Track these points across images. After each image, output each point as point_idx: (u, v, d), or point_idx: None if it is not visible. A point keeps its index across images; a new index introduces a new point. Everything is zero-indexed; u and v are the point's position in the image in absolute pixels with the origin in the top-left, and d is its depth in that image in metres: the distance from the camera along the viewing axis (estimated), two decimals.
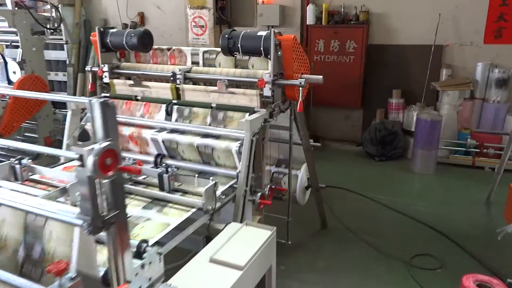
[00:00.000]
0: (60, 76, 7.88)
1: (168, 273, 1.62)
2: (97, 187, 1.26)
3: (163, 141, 2.49)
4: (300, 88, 2.39)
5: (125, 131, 2.61)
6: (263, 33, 2.40)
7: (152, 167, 2.51)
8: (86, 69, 2.97)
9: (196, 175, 2.12)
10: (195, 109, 2.58)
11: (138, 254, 1.55)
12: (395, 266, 3.36)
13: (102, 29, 2.83)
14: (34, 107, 4.58)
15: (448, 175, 5.24)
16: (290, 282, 3.18)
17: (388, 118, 6.04)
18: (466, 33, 5.58)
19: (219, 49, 2.60)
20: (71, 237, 1.41)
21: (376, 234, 3.84)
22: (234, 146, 2.30)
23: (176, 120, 2.61)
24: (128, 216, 1.97)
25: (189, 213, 1.95)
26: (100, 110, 1.22)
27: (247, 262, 1.74)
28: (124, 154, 2.69)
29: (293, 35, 2.37)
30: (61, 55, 7.69)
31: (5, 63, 4.71)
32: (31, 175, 2.28)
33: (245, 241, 1.89)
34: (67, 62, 7.56)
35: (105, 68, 2.89)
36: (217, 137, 2.42)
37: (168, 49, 2.88)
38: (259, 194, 2.28)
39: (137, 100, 2.80)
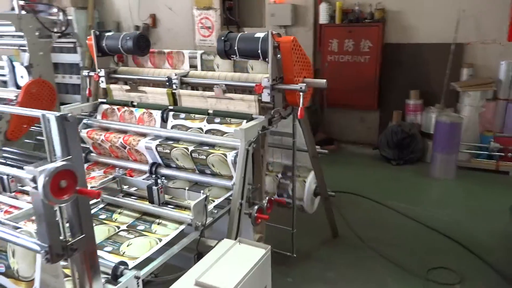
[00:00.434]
0: (74, 79, 7.92)
1: None
2: (60, 209, 1.13)
3: (157, 149, 2.36)
4: (301, 93, 2.21)
5: (118, 138, 2.49)
6: (260, 34, 2.24)
7: (147, 177, 2.39)
8: (83, 74, 2.87)
9: (187, 188, 1.99)
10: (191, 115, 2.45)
11: (115, 277, 1.42)
12: (410, 279, 3.15)
13: (97, 33, 2.73)
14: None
15: (469, 181, 4.95)
16: None
17: (405, 120, 5.78)
18: (488, 30, 5.27)
19: None
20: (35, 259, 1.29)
21: (390, 244, 3.62)
22: (229, 155, 2.15)
23: (172, 128, 2.48)
24: (117, 231, 1.87)
25: (177, 231, 1.81)
26: (57, 125, 1.09)
27: (236, 285, 1.59)
28: (119, 162, 2.59)
29: (293, 36, 2.20)
30: (75, 58, 7.73)
31: (13, 67, 4.70)
32: (21, 186, 2.20)
33: (236, 261, 1.74)
34: (80, 65, 7.58)
35: (102, 73, 2.78)
36: (212, 145, 2.28)
37: (165, 53, 2.76)
38: (256, 207, 2.13)
39: (133, 106, 2.68)
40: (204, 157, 2.22)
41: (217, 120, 2.36)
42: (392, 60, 5.84)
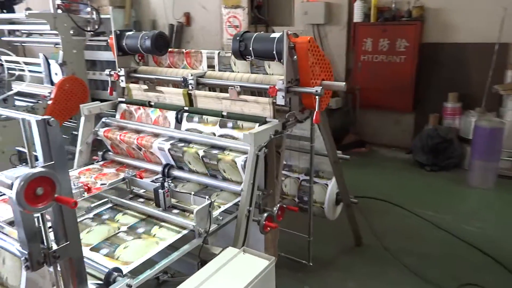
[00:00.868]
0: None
1: None
2: (42, 216, 1.10)
3: (169, 151, 2.33)
4: (317, 97, 2.10)
5: (134, 138, 2.48)
6: (276, 35, 2.15)
7: (160, 178, 2.36)
8: (105, 72, 2.89)
9: (193, 193, 1.94)
10: (204, 116, 2.40)
11: (108, 284, 1.39)
12: None
13: (118, 32, 2.73)
14: (74, 108, 4.67)
15: (510, 191, 4.62)
16: None
17: (442, 124, 5.48)
18: None
19: None
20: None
21: (418, 256, 3.42)
22: (239, 160, 2.08)
23: (186, 129, 2.44)
24: (116, 232, 1.85)
25: (177, 236, 1.76)
26: (39, 130, 1.06)
27: None
28: (134, 162, 2.58)
29: (310, 36, 2.09)
30: (111, 55, 7.90)
31: (48, 64, 4.87)
32: None
33: (238, 271, 1.67)
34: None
35: (122, 72, 2.79)
36: (223, 149, 2.21)
37: (184, 53, 2.72)
38: (265, 214, 2.04)
39: (150, 106, 2.67)
40: (215, 163, 2.16)
41: (230, 124, 2.29)
42: (430, 61, 5.55)
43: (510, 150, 4.87)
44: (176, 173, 2.39)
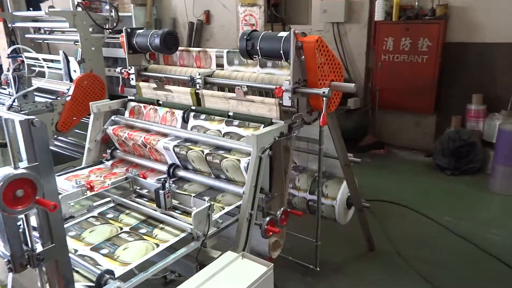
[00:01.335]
0: None
1: None
2: (26, 217, 1.08)
3: (174, 150, 2.30)
4: (324, 99, 2.03)
5: (140, 137, 2.47)
6: (284, 34, 2.09)
7: (162, 178, 2.34)
8: (116, 70, 2.90)
9: (192, 195, 1.91)
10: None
11: (99, 286, 1.37)
12: None
13: (128, 30, 2.73)
14: None
15: None
16: None
17: (465, 126, 5.28)
18: None
19: None
20: None
21: (433, 264, 3.30)
22: (243, 161, 2.03)
23: (192, 128, 2.42)
24: (119, 232, 1.84)
25: (176, 238, 1.73)
26: (22, 130, 1.04)
27: None
28: (141, 161, 2.58)
29: (318, 36, 2.02)
30: None
31: (68, 61, 4.94)
32: None
33: (234, 277, 1.63)
34: None
35: (132, 70, 2.79)
36: (228, 150, 2.17)
37: (194, 51, 2.69)
38: (267, 218, 1.99)
39: (159, 105, 2.66)
40: (218, 162, 2.13)
41: (236, 122, 2.25)
42: (453, 61, 5.36)
43: None
44: (181, 173, 2.37)
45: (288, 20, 4.35)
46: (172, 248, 1.76)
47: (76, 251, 1.67)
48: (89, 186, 2.04)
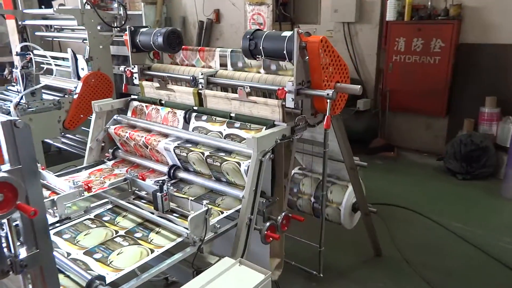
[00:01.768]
0: None
1: None
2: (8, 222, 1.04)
3: (174, 151, 2.26)
4: (328, 101, 1.97)
5: (141, 137, 2.43)
6: (287, 33, 2.03)
7: (161, 180, 2.30)
8: (120, 69, 2.87)
9: (190, 198, 1.86)
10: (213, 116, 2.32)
11: None
12: None
13: (132, 28, 2.69)
14: None
15: None
16: None
17: (478, 130, 5.15)
18: None
19: None
20: None
21: (442, 272, 3.20)
22: (243, 165, 1.97)
23: (193, 129, 2.37)
24: (114, 236, 1.80)
25: (173, 243, 1.68)
26: (4, 132, 1.00)
27: None
28: (142, 161, 2.54)
29: (322, 36, 1.95)
30: None
31: (76, 59, 4.95)
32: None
33: (229, 285, 1.57)
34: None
35: (135, 69, 2.75)
36: (229, 152, 2.12)
37: (198, 51, 2.64)
38: (267, 224, 1.93)
39: (161, 104, 2.61)
40: (219, 164, 2.07)
41: (237, 124, 2.19)
42: (467, 62, 5.22)
43: None
44: (182, 174, 2.32)
45: (297, 19, 4.29)
46: (169, 253, 1.71)
47: (69, 254, 1.64)
48: (86, 187, 2.00)
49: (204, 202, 1.75)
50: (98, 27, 4.82)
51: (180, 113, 2.43)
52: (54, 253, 1.17)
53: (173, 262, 1.62)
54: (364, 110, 5.84)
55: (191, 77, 2.41)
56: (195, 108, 2.43)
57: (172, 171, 2.34)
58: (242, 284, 1.57)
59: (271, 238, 1.92)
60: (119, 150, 2.69)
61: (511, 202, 4.38)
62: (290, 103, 2.04)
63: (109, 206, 2.01)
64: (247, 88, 2.20)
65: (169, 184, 1.88)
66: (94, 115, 2.64)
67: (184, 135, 2.33)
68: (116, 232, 1.79)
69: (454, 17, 5.13)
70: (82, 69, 4.86)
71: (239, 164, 1.99)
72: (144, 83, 2.74)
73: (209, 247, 1.77)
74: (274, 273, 2.31)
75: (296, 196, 3.03)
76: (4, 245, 1.07)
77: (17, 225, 1.07)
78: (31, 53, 4.49)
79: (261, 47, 2.09)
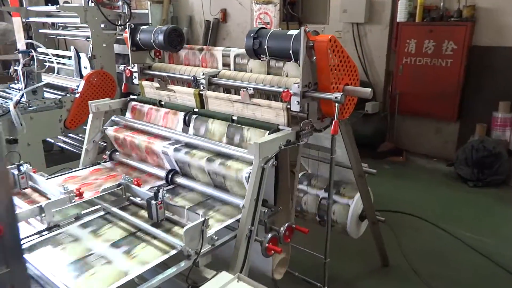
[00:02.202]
0: None
1: None
2: None
3: (173, 155, 2.14)
4: (336, 104, 1.84)
5: (138, 140, 2.32)
6: (294, 32, 1.91)
7: (158, 186, 2.18)
8: (119, 68, 2.76)
9: (186, 207, 1.73)
10: (211, 126, 2.19)
11: None
12: None
13: (132, 26, 2.58)
14: None
15: None
16: None
17: (490, 135, 4.98)
18: None
19: None
20: None
21: (450, 282, 3.07)
22: (244, 172, 1.85)
23: (193, 133, 2.25)
24: (90, 253, 1.63)
25: (162, 258, 1.55)
26: None
27: None
28: (139, 165, 2.42)
29: (331, 35, 1.82)
30: None
31: (79, 58, 4.86)
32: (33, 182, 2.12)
33: None
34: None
35: (135, 68, 2.64)
36: (230, 158, 2.00)
37: (200, 50, 2.53)
38: (269, 235, 1.80)
39: (161, 105, 2.50)
40: (218, 171, 1.95)
41: (237, 138, 2.06)
42: (480, 65, 5.06)
43: None
44: (180, 180, 2.20)
45: (305, 19, 4.16)
46: (164, 265, 1.59)
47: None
48: (77, 192, 1.89)
49: (201, 212, 1.62)
50: (102, 25, 4.73)
51: (181, 115, 2.32)
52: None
53: (166, 277, 1.50)
54: (372, 113, 5.69)
55: (192, 77, 2.29)
56: (196, 110, 2.32)
57: (170, 176, 2.22)
58: None
59: (272, 251, 1.79)
60: (117, 153, 2.58)
61: None
62: (295, 107, 1.91)
63: (102, 212, 1.89)
64: (250, 89, 2.08)
65: (165, 192, 1.76)
66: (91, 116, 2.53)
67: (184, 138, 2.21)
68: (99, 245, 1.65)
69: (467, 18, 4.97)
70: (85, 67, 4.77)
71: (239, 171, 1.87)
72: (144, 83, 2.63)
73: (206, 260, 1.65)
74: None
75: (301, 214, 2.92)
76: None
77: None
78: (33, 51, 4.41)
79: (265, 46, 1.97)
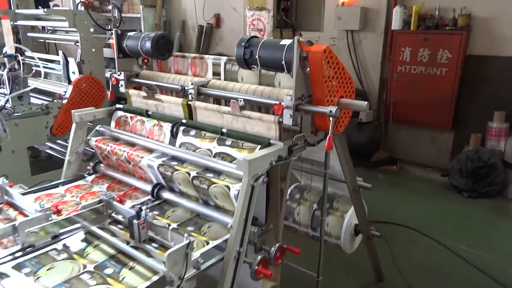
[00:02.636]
0: None
1: None
2: None
3: (158, 169, 2.04)
4: (331, 118, 1.75)
5: (123, 152, 2.21)
6: (287, 41, 1.81)
7: (141, 204, 2.07)
8: (106, 75, 2.65)
9: (170, 228, 1.63)
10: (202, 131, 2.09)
11: None
12: None
13: (119, 32, 2.48)
14: None
15: None
16: None
17: (485, 145, 4.92)
18: None
19: None
20: None
21: None
22: (233, 189, 1.75)
23: (180, 145, 2.14)
24: (80, 272, 1.52)
25: (146, 284, 1.44)
26: None
27: None
28: (124, 178, 2.31)
29: (325, 45, 1.74)
30: None
31: (67, 63, 4.73)
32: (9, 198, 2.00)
33: None
34: None
35: (121, 76, 2.53)
36: (219, 173, 1.89)
37: (190, 58, 2.43)
38: (259, 257, 1.70)
39: (148, 116, 2.39)
40: (206, 187, 1.85)
41: (228, 142, 1.97)
42: (474, 75, 5.02)
43: None
44: (166, 195, 2.09)
45: (299, 26, 4.09)
46: None
47: None
48: (55, 209, 1.78)
49: (186, 235, 1.51)
50: (92, 30, 4.61)
51: (167, 126, 2.21)
52: None
53: None
54: (366, 121, 5.62)
55: (180, 87, 2.19)
56: (184, 121, 2.21)
57: (156, 190, 2.11)
58: None
59: (262, 275, 1.69)
60: (101, 165, 2.47)
61: None
62: (287, 120, 1.82)
63: (81, 232, 1.77)
64: (240, 101, 1.98)
65: (147, 210, 1.64)
66: (74, 126, 2.42)
67: (170, 151, 2.10)
68: (84, 266, 1.55)
69: (463, 27, 4.93)
70: (73, 72, 4.64)
71: (228, 188, 1.76)
72: (131, 91, 2.52)
73: (190, 286, 1.54)
74: None
75: (293, 227, 2.82)
76: None
77: None
78: (18, 55, 4.28)
79: (257, 56, 1.88)
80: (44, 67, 4.41)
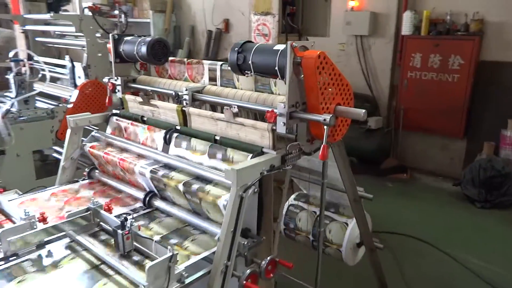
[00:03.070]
0: None
1: None
2: None
3: (150, 177, 1.98)
4: (325, 127, 1.67)
5: (116, 158, 2.16)
6: (281, 47, 1.74)
7: (137, 208, 2.02)
8: (103, 80, 2.62)
9: (155, 240, 1.56)
10: (193, 143, 2.03)
11: None
12: None
13: (116, 36, 2.44)
14: (95, 113, 4.48)
15: None
16: None
17: (499, 154, 4.77)
18: None
19: None
20: None
21: None
22: (222, 199, 1.68)
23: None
24: None
25: None
26: None
27: None
28: (117, 185, 2.26)
29: (320, 51, 1.66)
30: None
31: (73, 67, 4.75)
32: None
33: None
34: None
35: (118, 81, 2.49)
36: (210, 182, 1.83)
37: (186, 63, 2.38)
38: (248, 271, 1.62)
39: (143, 122, 2.35)
40: (196, 199, 1.78)
41: (219, 155, 1.90)
42: (487, 81, 4.87)
43: None
44: (158, 203, 2.04)
45: (305, 31, 4.02)
46: None
47: None
48: (41, 217, 1.73)
49: (169, 247, 1.44)
50: (98, 34, 4.62)
51: (160, 136, 2.16)
52: None
53: None
54: (375, 128, 5.50)
55: (174, 93, 2.14)
56: (178, 127, 2.16)
57: (147, 198, 2.05)
58: None
59: None
60: (96, 170, 2.43)
61: None
62: (281, 128, 1.74)
63: (67, 240, 1.73)
64: (234, 107, 1.91)
65: (133, 220, 1.59)
66: (69, 131, 2.39)
67: (163, 158, 2.05)
68: (58, 279, 1.49)
69: (475, 32, 4.80)
70: (79, 77, 4.65)
71: (217, 197, 1.69)
72: (127, 97, 2.48)
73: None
74: None
75: (293, 232, 2.73)
76: None
77: None
78: (25, 59, 4.30)
79: (250, 62, 1.81)
80: (50, 71, 4.43)
